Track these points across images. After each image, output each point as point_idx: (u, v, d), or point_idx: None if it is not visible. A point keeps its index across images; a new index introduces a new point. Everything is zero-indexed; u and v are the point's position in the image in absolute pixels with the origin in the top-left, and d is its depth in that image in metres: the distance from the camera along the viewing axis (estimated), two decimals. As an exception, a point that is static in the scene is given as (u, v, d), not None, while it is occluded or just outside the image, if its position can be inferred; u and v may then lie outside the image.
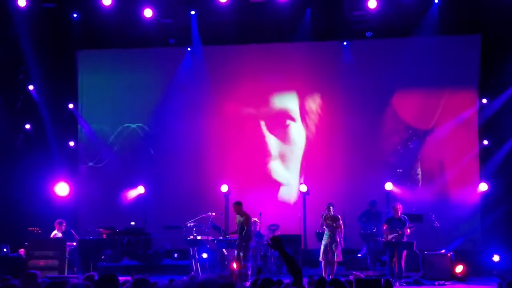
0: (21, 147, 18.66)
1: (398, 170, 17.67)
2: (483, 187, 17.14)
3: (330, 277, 13.44)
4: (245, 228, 14.11)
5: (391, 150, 17.81)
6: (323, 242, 14.07)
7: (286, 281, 7.39)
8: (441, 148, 17.62)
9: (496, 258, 15.73)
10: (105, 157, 18.78)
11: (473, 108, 17.62)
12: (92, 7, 16.91)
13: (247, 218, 14.26)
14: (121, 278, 7.37)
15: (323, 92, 18.31)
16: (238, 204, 14.43)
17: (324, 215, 14.14)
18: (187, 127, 18.61)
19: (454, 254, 15.10)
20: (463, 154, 17.53)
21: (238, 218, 14.34)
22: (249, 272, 13.94)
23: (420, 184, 17.71)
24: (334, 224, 14.04)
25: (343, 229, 14.23)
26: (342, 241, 14.21)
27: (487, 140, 17.48)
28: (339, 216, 14.23)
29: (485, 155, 17.54)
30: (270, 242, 5.98)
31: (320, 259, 14.12)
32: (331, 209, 14.11)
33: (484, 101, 17.50)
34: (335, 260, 13.98)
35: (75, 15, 17.67)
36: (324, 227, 14.08)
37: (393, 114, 17.89)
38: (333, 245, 13.93)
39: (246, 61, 18.55)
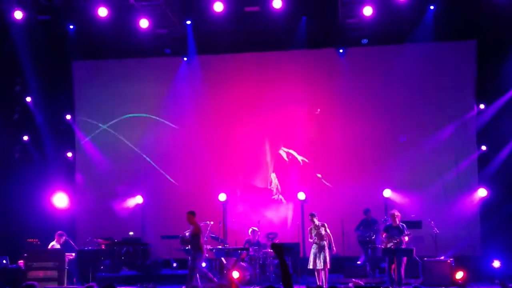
0: (19, 158, 18.67)
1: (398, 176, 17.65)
2: (482, 192, 17.15)
3: (325, 285, 13.47)
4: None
5: (388, 156, 17.76)
6: (312, 250, 14.12)
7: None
8: (439, 153, 17.60)
9: (496, 263, 15.67)
10: (102, 167, 18.73)
11: (470, 114, 17.64)
12: (88, 19, 16.88)
13: (194, 228, 13.86)
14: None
15: (319, 100, 18.31)
16: (190, 214, 14.06)
17: (310, 227, 14.22)
18: (183, 137, 18.61)
19: (454, 260, 15.04)
20: (461, 160, 17.53)
21: None
22: (199, 284, 13.72)
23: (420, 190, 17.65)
24: (322, 232, 14.04)
25: (331, 236, 14.19)
26: (333, 248, 14.21)
27: (485, 146, 17.50)
28: (325, 224, 14.22)
29: (483, 160, 17.55)
30: (271, 247, 6.05)
31: (311, 267, 14.08)
32: (315, 219, 14.18)
33: (482, 106, 17.53)
34: (326, 267, 13.96)
35: (71, 27, 17.72)
36: (312, 237, 14.12)
37: (390, 120, 17.89)
38: (322, 253, 13.93)
39: (242, 70, 18.58)
